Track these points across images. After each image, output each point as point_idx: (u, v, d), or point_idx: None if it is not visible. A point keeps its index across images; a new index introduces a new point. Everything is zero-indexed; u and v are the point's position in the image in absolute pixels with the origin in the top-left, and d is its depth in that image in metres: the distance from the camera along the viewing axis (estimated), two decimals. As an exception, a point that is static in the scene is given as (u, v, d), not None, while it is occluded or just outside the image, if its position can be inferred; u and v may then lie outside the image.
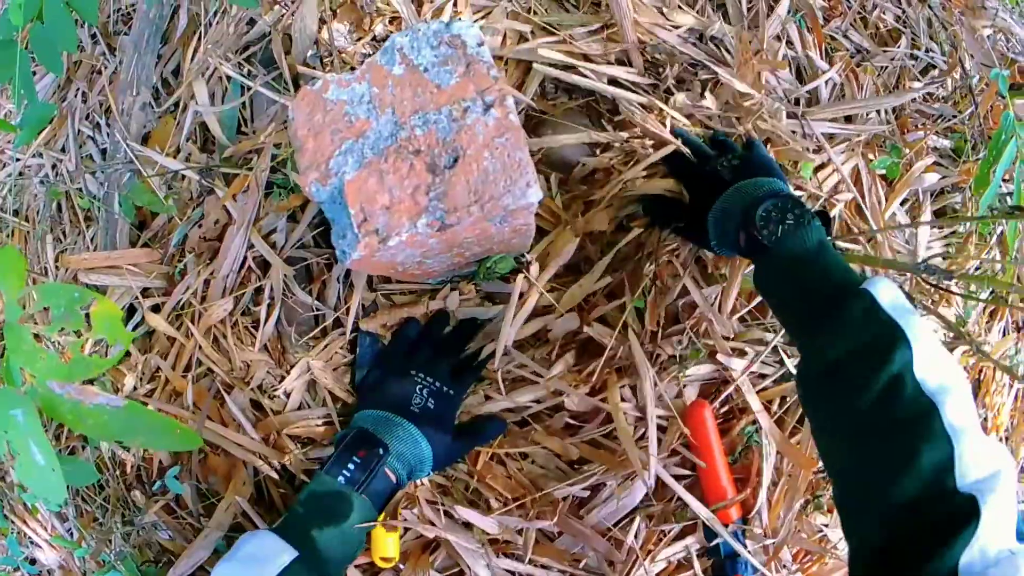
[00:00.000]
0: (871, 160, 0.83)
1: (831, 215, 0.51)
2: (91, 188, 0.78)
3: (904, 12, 0.96)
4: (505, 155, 0.47)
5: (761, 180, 0.53)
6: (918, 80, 0.92)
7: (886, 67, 0.91)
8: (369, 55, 0.65)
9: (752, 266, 0.58)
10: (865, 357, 0.39)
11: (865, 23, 0.93)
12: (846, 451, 0.39)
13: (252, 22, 0.68)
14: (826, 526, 0.66)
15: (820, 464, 0.62)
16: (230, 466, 0.63)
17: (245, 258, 0.65)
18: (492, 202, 0.46)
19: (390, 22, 0.67)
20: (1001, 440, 0.81)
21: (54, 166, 0.83)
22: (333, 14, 0.64)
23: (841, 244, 0.71)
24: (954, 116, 0.90)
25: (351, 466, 0.52)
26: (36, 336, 0.37)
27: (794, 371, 0.49)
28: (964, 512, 0.32)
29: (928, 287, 0.71)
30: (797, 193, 0.60)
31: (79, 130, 0.82)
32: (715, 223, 0.54)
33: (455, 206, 0.46)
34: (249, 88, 0.66)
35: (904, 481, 0.35)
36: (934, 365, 0.38)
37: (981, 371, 0.80)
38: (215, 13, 0.68)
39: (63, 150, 0.83)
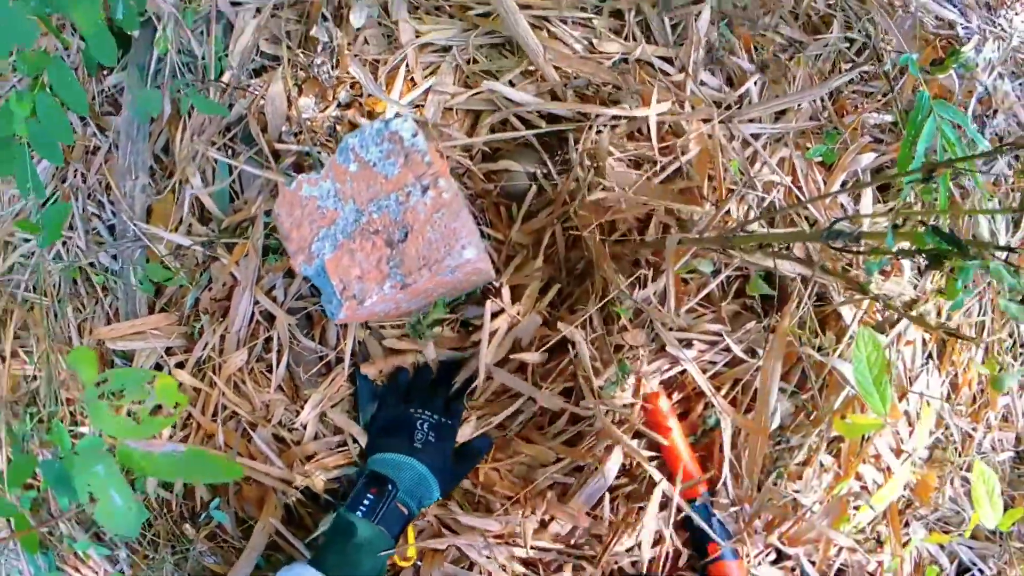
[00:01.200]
0: (807, 149, 0.88)
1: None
2: (104, 262, 0.87)
3: (832, -3, 0.98)
4: (443, 226, 0.59)
5: None
6: (853, 62, 0.95)
7: (820, 54, 0.95)
8: (337, 118, 0.73)
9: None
10: None
11: (795, 16, 0.97)
12: None
13: (231, 106, 0.75)
14: (797, 492, 0.74)
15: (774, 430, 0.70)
16: (262, 494, 0.73)
17: (253, 313, 0.74)
18: (437, 264, 0.58)
19: (351, 87, 0.74)
20: (975, 396, 0.84)
21: (64, 243, 0.91)
22: (299, 90, 0.72)
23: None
24: (890, 92, 0.90)
25: (366, 502, 0.62)
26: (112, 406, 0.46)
27: None
28: None
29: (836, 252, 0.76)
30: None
31: (84, 209, 0.90)
32: None
33: (410, 271, 0.58)
34: (236, 167, 0.74)
35: None
36: None
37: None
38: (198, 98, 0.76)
39: (71, 228, 0.92)
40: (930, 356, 0.82)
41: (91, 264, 0.87)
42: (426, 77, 0.72)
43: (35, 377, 0.87)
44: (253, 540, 0.71)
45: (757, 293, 0.70)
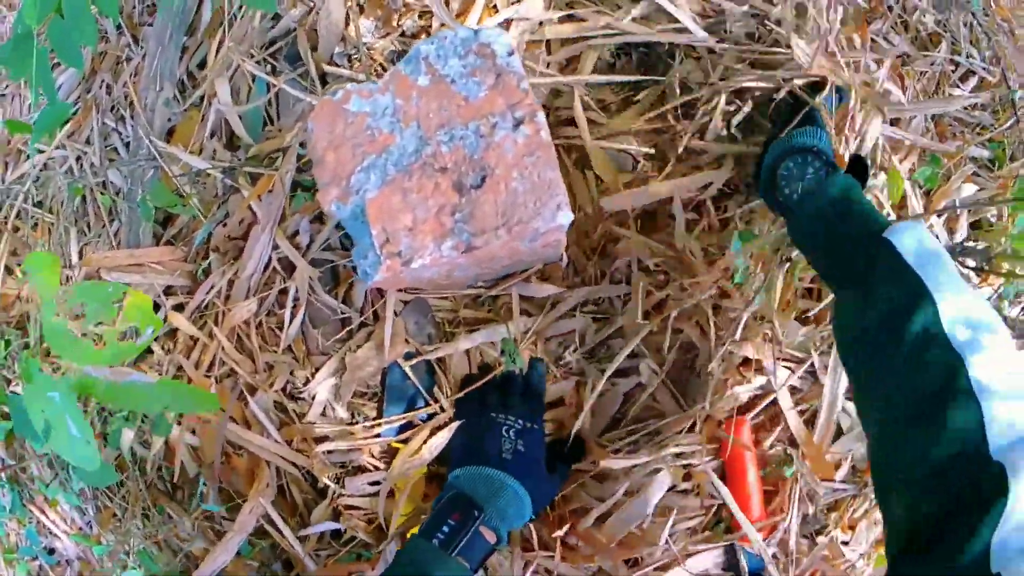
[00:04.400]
0: (912, 170, 0.80)
1: (866, 159, 0.51)
2: (115, 182, 0.77)
3: (945, 16, 0.93)
4: (535, 175, 0.44)
5: (795, 133, 0.53)
6: (958, 87, 0.89)
7: (925, 72, 0.88)
8: (398, 51, 0.63)
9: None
10: (890, 318, 0.38)
11: (906, 26, 0.90)
12: (877, 417, 0.38)
13: (277, 17, 0.66)
14: (845, 543, 0.64)
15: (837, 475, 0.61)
16: (253, 467, 0.63)
17: (270, 259, 0.64)
18: (521, 225, 0.44)
19: (419, 17, 0.65)
20: None
21: (78, 158, 0.83)
22: (360, 9, 0.63)
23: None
24: (992, 125, 0.87)
25: (445, 528, 0.50)
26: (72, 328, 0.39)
27: (832, 326, 0.48)
28: (993, 484, 0.29)
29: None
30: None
31: (104, 123, 0.81)
32: (760, 181, 0.55)
33: (482, 228, 0.44)
34: (274, 86, 0.65)
35: (932, 451, 0.32)
36: (963, 316, 0.35)
37: None
38: (240, 7, 0.67)
39: (88, 142, 0.83)
40: None
41: (102, 183, 0.78)
42: (512, 3, 0.61)
43: (29, 299, 0.78)
44: (239, 521, 0.60)
45: None
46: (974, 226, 0.84)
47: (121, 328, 0.39)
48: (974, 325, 0.35)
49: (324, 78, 0.63)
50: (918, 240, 0.39)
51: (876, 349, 0.38)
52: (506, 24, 0.59)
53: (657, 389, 0.60)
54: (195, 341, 0.66)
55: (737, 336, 0.58)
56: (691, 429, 0.59)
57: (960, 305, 0.36)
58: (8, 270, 0.82)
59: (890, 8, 0.87)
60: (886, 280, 0.39)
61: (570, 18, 0.61)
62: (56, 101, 0.75)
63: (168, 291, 0.69)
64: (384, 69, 0.62)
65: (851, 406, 0.65)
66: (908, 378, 0.35)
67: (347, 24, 0.62)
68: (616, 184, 0.61)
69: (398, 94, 0.47)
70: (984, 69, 0.89)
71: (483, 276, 0.58)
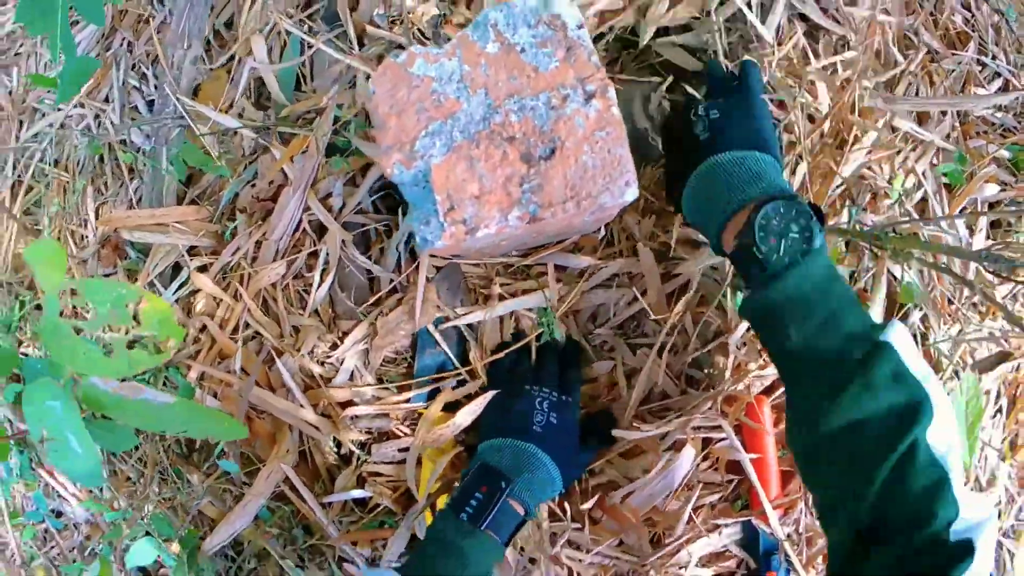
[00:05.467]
0: (934, 164, 0.81)
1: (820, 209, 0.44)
2: (136, 141, 0.76)
3: (973, 16, 0.94)
4: (606, 150, 0.44)
5: (747, 159, 0.45)
6: (983, 88, 0.90)
7: (953, 71, 0.89)
8: (442, 17, 0.62)
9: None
10: (890, 420, 0.38)
11: (936, 24, 0.91)
12: (859, 509, 0.39)
13: (318, -25, 0.65)
14: None
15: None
16: (275, 431, 0.62)
17: (300, 221, 0.63)
18: (589, 199, 0.44)
19: (466, -17, 0.63)
20: None
21: (97, 116, 0.81)
22: (406, -30, 0.61)
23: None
24: (1016, 127, 0.88)
25: (473, 502, 0.49)
26: (78, 330, 0.35)
27: (791, 420, 0.44)
28: (961, 552, 0.35)
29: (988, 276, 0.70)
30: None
31: (124, 81, 0.80)
32: (690, 204, 0.48)
33: (550, 200, 0.44)
34: (311, 46, 0.63)
35: (917, 537, 0.36)
36: (943, 429, 0.39)
37: (1017, 388, 0.78)
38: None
39: (107, 100, 0.81)
40: (999, 411, 0.76)
41: (122, 141, 0.76)
42: None
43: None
44: (256, 485, 0.59)
45: (911, 302, 0.61)
46: (994, 225, 0.85)
47: (135, 335, 0.35)
48: (948, 438, 0.39)
49: (362, 40, 0.62)
50: (913, 347, 0.41)
51: (869, 446, 0.39)
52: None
53: (678, 370, 0.60)
54: (218, 303, 0.65)
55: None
56: (712, 408, 0.59)
57: (943, 419, 0.39)
58: (25, 228, 0.80)
59: (921, 5, 0.87)
60: (892, 384, 0.39)
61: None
62: (76, 56, 0.73)
63: (192, 251, 0.67)
64: (425, 36, 0.61)
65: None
66: (898, 480, 0.38)
67: (390, -16, 0.61)
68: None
69: (466, 60, 0.46)
70: (1010, 72, 0.90)
71: (526, 245, 0.57)
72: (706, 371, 0.61)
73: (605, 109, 0.45)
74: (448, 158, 0.45)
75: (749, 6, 0.63)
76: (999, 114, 0.89)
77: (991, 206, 0.84)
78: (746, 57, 0.62)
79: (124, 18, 0.83)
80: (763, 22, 0.65)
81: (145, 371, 0.63)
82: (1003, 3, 0.88)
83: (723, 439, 0.58)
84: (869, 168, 0.72)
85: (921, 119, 0.82)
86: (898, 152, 0.76)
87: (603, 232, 0.59)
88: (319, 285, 0.62)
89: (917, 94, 0.82)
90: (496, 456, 0.53)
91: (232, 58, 0.70)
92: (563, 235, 0.55)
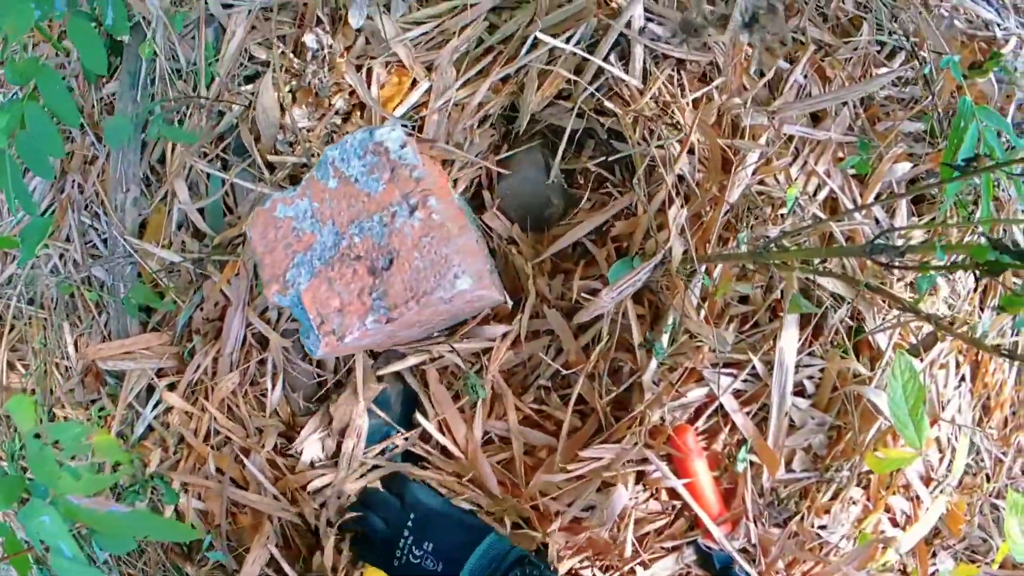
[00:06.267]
0: (839, 159, 0.82)
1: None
2: (99, 276, 0.83)
3: (856, -3, 0.93)
4: (432, 252, 0.52)
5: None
6: (885, 66, 0.89)
7: (850, 58, 0.89)
8: (335, 127, 0.68)
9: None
10: None
11: (824, 17, 0.91)
12: None
13: (221, 114, 0.71)
14: (823, 527, 0.69)
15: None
16: (256, 522, 0.69)
17: (245, 335, 0.70)
18: (426, 296, 0.52)
19: (350, 94, 0.70)
20: (1007, 419, 0.79)
21: (61, 256, 0.89)
22: (293, 98, 0.68)
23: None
24: (926, 98, 0.85)
25: None
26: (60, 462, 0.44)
27: None
28: None
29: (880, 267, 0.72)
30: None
31: (80, 220, 0.87)
32: None
33: (395, 303, 0.52)
34: (227, 180, 0.70)
35: None
36: None
37: (978, 353, 0.78)
38: (187, 109, 0.72)
39: (68, 240, 0.89)
40: (963, 379, 0.77)
41: (87, 278, 0.84)
42: (427, 74, 0.66)
43: (33, 391, 0.85)
44: (245, 570, 0.66)
45: (799, 312, 0.65)
46: (918, 201, 0.86)
47: (95, 461, 0.44)
48: None
49: (270, 166, 0.69)
50: None
51: None
52: (427, 94, 0.65)
53: (597, 412, 0.65)
54: (190, 416, 0.72)
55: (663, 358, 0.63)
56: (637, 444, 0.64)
57: None
58: (10, 365, 0.89)
59: (805, 2, 0.89)
60: None
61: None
62: (34, 211, 0.81)
63: (160, 373, 0.75)
64: (321, 151, 0.68)
65: (802, 401, 0.69)
66: None
67: (283, 114, 0.67)
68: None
69: (314, 198, 0.55)
70: (913, 44, 0.89)
71: (429, 331, 0.64)
72: (628, 410, 0.66)
73: (427, 217, 0.53)
74: (312, 283, 0.54)
75: (607, 60, 0.68)
76: (907, 89, 0.90)
77: (912, 183, 0.86)
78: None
79: (72, 160, 0.91)
80: (626, 71, 0.69)
81: (133, 484, 0.71)
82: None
83: (655, 470, 0.63)
84: (763, 183, 0.76)
85: (819, 118, 0.84)
86: (795, 159, 0.79)
87: (510, 301, 0.65)
88: (272, 388, 0.69)
89: (810, 95, 0.84)
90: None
91: (167, 194, 0.77)
92: (458, 317, 0.62)
